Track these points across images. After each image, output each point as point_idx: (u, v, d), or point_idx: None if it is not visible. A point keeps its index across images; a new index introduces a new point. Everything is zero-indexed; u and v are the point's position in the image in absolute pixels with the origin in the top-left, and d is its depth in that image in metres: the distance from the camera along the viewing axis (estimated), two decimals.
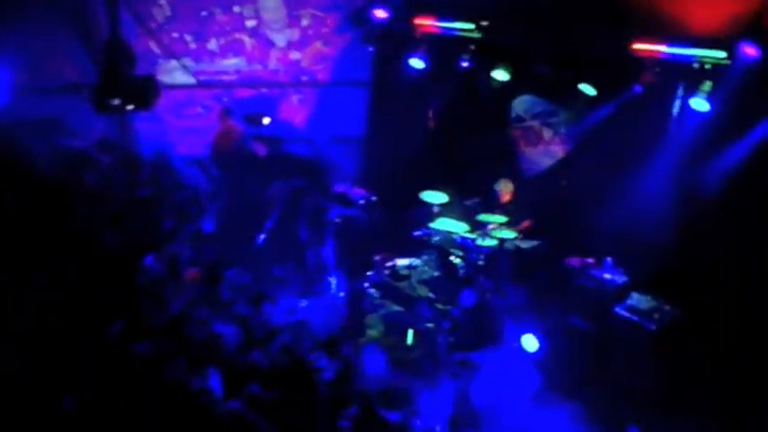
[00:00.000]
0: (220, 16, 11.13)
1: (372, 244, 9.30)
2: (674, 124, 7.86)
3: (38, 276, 5.84)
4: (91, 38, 9.98)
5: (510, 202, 9.15)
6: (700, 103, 7.26)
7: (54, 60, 9.73)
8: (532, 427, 6.67)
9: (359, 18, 10.64)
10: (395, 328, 8.28)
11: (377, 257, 9.24)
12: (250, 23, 11.25)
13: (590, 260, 8.06)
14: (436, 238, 9.06)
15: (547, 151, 9.91)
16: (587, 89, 8.61)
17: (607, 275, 7.79)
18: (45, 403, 4.65)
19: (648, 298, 7.40)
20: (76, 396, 4.74)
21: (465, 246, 8.73)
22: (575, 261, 8.15)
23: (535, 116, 9.98)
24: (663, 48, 7.56)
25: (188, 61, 10.97)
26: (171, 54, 10.79)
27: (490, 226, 8.73)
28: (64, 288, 5.85)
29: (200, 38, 11.14)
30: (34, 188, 6.76)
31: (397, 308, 8.74)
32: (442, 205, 9.17)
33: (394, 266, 9.28)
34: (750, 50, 6.60)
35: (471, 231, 8.85)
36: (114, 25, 8.84)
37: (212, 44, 11.24)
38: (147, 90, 8.37)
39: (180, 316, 6.37)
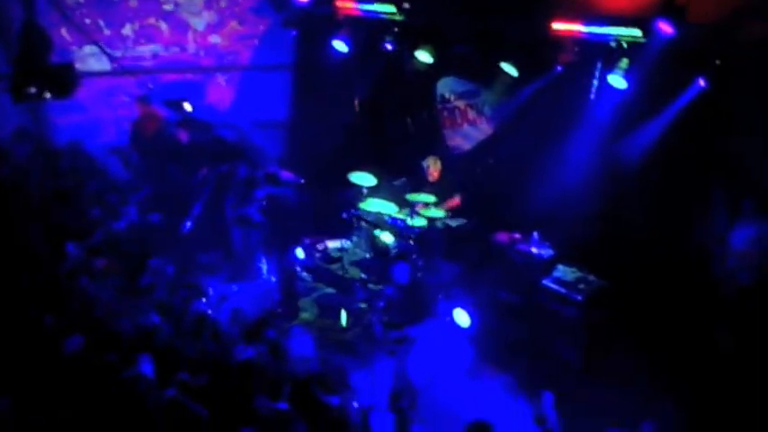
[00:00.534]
0: (134, 1, 10.76)
1: (302, 226, 9.22)
2: (594, 101, 8.07)
3: None
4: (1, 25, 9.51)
5: (438, 180, 9.21)
6: (617, 81, 7.45)
7: None
8: (467, 400, 6.78)
9: (280, 1, 10.50)
10: (329, 310, 8.32)
11: (307, 240, 9.20)
12: (166, 7, 10.95)
13: (517, 235, 8.21)
14: (366, 220, 9.08)
15: (472, 131, 10.04)
16: (509, 69, 8.74)
17: (534, 249, 7.96)
18: None
19: (574, 269, 7.63)
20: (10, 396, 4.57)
21: (395, 226, 8.79)
22: (502, 236, 8.29)
23: (459, 96, 10.10)
24: (581, 27, 7.71)
25: (103, 47, 10.53)
26: (86, 40, 10.33)
27: (419, 205, 8.81)
28: None
29: (115, 23, 10.76)
30: None
31: (329, 290, 8.76)
32: (370, 186, 9.19)
33: (325, 249, 9.28)
34: (665, 28, 6.77)
35: (400, 211, 8.91)
36: (30, 11, 8.41)
37: (127, 29, 10.87)
38: (65, 78, 7.98)
39: (102, 307, 6.21)
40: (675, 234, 7.44)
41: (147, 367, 5.16)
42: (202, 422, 4.80)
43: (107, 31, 10.73)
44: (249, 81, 11.39)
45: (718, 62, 6.89)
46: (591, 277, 7.54)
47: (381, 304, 7.77)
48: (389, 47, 9.53)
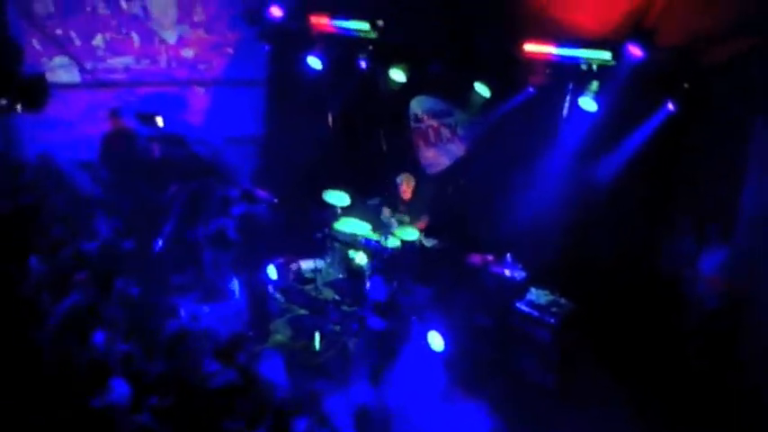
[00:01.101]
0: (105, 12, 10.64)
1: (275, 245, 9.15)
2: (564, 124, 8.14)
3: None
4: None
5: (411, 199, 9.22)
6: (588, 103, 7.52)
7: None
8: (441, 424, 6.79)
9: (253, 16, 10.42)
10: (302, 331, 8.25)
11: (280, 260, 9.12)
12: (138, 19, 10.81)
13: (490, 257, 8.25)
14: (340, 240, 9.05)
15: (445, 150, 10.08)
16: (482, 89, 8.80)
17: (507, 272, 8.00)
18: None
19: (546, 292, 7.69)
20: None
21: (369, 246, 8.76)
22: (476, 258, 8.32)
23: (433, 115, 10.13)
24: (552, 49, 7.78)
25: (76, 58, 10.40)
26: (57, 51, 10.18)
27: (393, 226, 8.80)
28: None
29: (86, 35, 10.64)
30: None
31: (303, 311, 8.70)
32: (344, 206, 9.16)
33: (298, 269, 9.21)
34: (635, 51, 6.86)
35: (374, 231, 8.89)
36: (1, 20, 8.26)
37: (98, 41, 10.74)
38: (36, 89, 7.81)
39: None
40: (644, 258, 7.56)
41: (120, 392, 5.10)
42: None
43: (78, 42, 10.63)
44: (222, 96, 11.31)
45: (686, 85, 7.00)
46: (563, 300, 7.61)
47: (355, 327, 7.75)
48: (363, 64, 9.53)
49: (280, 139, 11.05)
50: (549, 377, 7.33)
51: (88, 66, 10.62)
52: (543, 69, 8.07)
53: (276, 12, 9.85)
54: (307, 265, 9.25)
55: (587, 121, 7.77)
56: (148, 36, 10.94)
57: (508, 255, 8.10)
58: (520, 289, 7.82)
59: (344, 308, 8.37)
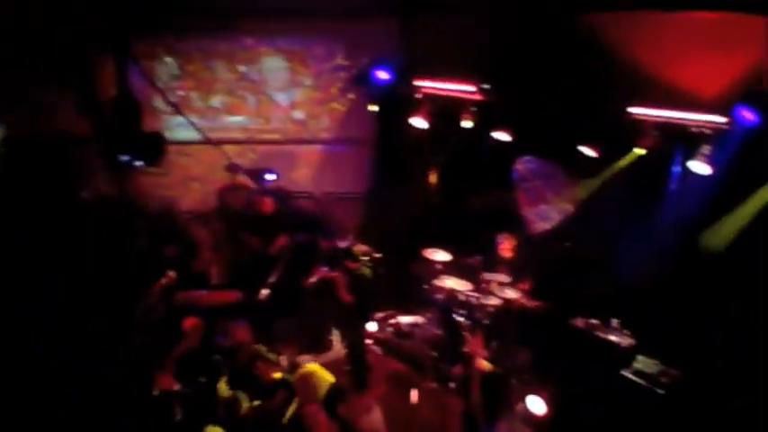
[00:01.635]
0: (225, 75, 11.36)
1: (376, 299, 9.27)
2: (675, 187, 7.96)
3: None
4: (93, 93, 10.14)
5: (511, 259, 9.18)
6: (699, 166, 7.35)
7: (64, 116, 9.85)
8: None
9: (362, 79, 10.86)
10: (399, 386, 8.25)
11: (380, 314, 9.23)
12: (254, 82, 11.46)
13: (595, 321, 8.06)
14: (439, 296, 9.07)
15: (549, 212, 10.02)
16: (588, 151, 8.75)
17: (612, 337, 7.78)
18: None
19: (655, 362, 7.41)
20: None
21: (469, 304, 8.73)
22: (580, 322, 8.14)
23: (538, 176, 10.13)
24: (661, 112, 7.71)
25: (194, 118, 11.11)
26: (177, 111, 10.93)
27: (493, 284, 8.76)
28: None
29: (205, 95, 11.37)
30: None
31: (401, 366, 8.72)
32: (444, 263, 9.21)
33: (398, 324, 9.27)
34: (748, 115, 6.70)
35: (474, 289, 8.87)
36: (123, 81, 8.98)
37: (216, 101, 11.44)
38: (155, 146, 8.46)
39: None
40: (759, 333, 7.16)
41: None
42: None
43: (198, 103, 11.36)
44: (330, 153, 11.74)
45: None
46: (672, 370, 7.29)
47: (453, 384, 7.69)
48: (467, 124, 9.70)
49: (383, 196, 11.29)
50: None
51: (206, 124, 11.30)
52: (651, 132, 7.99)
53: (383, 75, 10.23)
54: (406, 320, 9.31)
55: (698, 185, 7.58)
56: (263, 98, 11.57)
57: (614, 320, 7.88)
58: (626, 356, 7.56)
59: (442, 365, 8.33)
